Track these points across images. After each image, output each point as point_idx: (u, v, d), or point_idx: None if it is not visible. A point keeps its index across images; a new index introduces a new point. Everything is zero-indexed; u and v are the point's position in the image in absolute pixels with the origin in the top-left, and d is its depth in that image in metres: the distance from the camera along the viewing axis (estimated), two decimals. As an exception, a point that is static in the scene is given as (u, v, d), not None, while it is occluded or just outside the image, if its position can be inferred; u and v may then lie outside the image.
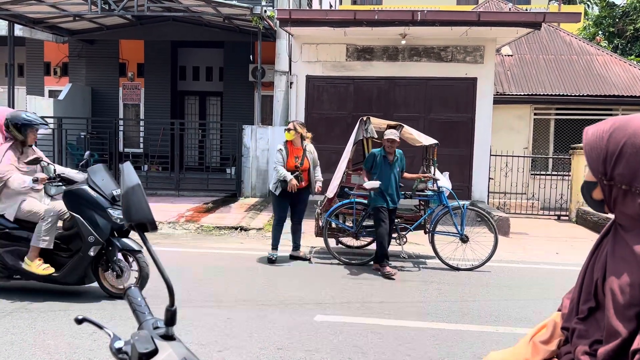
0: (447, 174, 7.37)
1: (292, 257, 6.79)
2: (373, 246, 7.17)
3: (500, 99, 12.33)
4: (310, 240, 7.63)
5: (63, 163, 12.31)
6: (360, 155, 7.80)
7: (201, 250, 7.24)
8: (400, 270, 6.41)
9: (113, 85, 16.07)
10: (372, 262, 6.54)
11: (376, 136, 7.30)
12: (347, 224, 7.03)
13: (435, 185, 6.85)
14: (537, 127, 13.11)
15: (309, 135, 6.83)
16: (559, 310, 1.64)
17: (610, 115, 12.34)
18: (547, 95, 12.71)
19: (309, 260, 6.75)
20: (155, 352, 1.14)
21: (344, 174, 7.07)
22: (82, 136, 13.82)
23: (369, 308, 4.96)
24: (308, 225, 7.54)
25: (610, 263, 1.38)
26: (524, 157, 12.06)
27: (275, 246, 6.69)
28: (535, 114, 13.02)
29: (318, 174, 6.83)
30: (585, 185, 1.48)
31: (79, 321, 1.32)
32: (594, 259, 1.49)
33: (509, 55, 14.06)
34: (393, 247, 6.72)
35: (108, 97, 16.03)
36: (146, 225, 1.22)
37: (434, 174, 7.01)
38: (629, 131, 1.34)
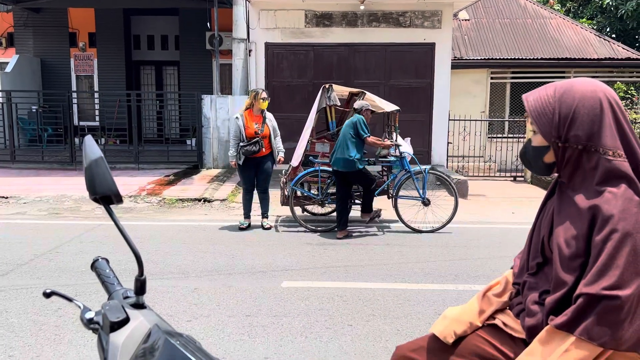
0: (408, 139, 7.49)
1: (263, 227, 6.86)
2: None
3: (458, 64, 12.48)
4: (276, 209, 7.67)
5: (15, 139, 11.86)
6: (323, 123, 7.81)
7: (165, 223, 7.19)
8: (364, 235, 6.57)
9: (64, 56, 15.42)
10: (336, 229, 6.65)
11: (339, 104, 7.32)
12: (312, 191, 7.10)
13: (397, 151, 6.97)
14: (493, 90, 13.38)
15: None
16: (512, 269, 1.76)
17: (564, 77, 12.69)
18: (503, 59, 12.94)
19: (266, 229, 6.79)
20: (126, 320, 1.17)
21: (308, 142, 7.09)
22: (34, 110, 13.30)
23: (334, 272, 5.08)
24: (274, 195, 7.56)
25: (557, 220, 1.48)
26: (481, 120, 12.34)
27: (246, 215, 6.87)
28: (491, 78, 13.27)
29: (279, 145, 6.85)
30: (534, 151, 1.55)
31: (48, 295, 1.32)
32: (540, 219, 1.60)
33: (466, 20, 14.18)
34: (354, 212, 6.85)
35: (59, 69, 15.40)
36: (111, 197, 1.22)
37: (396, 140, 7.11)
38: (577, 95, 1.44)
